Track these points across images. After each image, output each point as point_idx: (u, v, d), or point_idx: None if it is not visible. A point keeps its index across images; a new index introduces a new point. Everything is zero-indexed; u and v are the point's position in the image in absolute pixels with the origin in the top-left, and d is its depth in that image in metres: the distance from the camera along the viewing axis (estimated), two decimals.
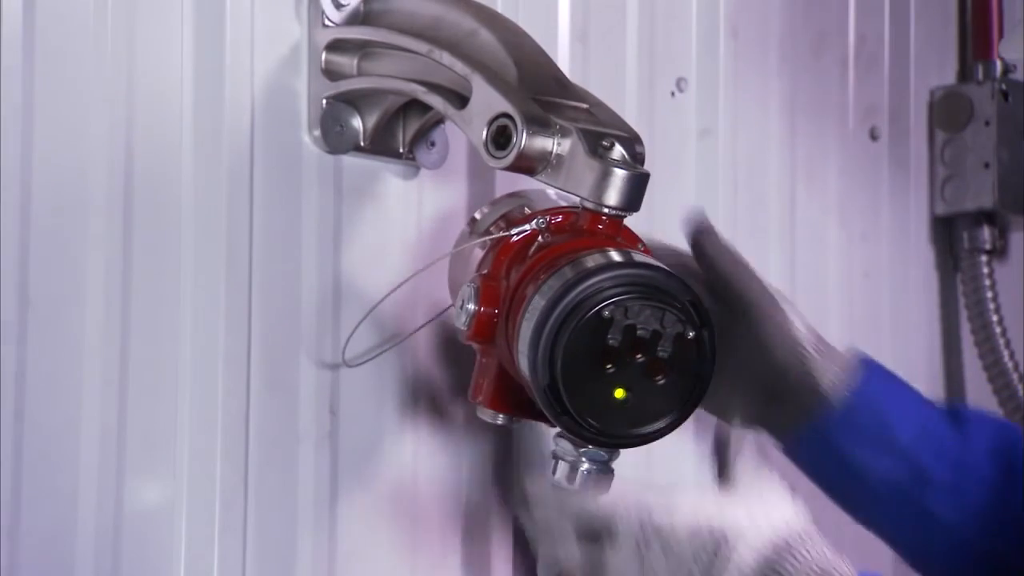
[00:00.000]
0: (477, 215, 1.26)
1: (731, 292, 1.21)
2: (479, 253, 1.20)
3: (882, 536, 1.28)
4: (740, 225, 1.61)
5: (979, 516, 1.22)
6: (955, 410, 1.27)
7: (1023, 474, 1.21)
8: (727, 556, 0.98)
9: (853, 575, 0.99)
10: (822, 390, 1.20)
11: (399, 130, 1.30)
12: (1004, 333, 1.82)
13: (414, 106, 1.28)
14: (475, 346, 1.18)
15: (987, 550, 1.24)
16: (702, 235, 1.24)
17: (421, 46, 1.18)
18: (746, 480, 1.00)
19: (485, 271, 1.17)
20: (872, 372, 1.23)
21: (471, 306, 1.14)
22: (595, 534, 1.02)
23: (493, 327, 1.14)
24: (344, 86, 1.25)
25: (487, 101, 1.12)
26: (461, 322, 1.15)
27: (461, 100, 1.15)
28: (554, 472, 1.16)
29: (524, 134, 1.09)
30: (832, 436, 1.21)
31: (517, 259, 1.16)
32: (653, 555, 0.99)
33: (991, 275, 1.84)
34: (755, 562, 0.98)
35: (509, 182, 1.28)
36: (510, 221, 1.21)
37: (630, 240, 1.15)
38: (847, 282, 1.74)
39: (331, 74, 1.26)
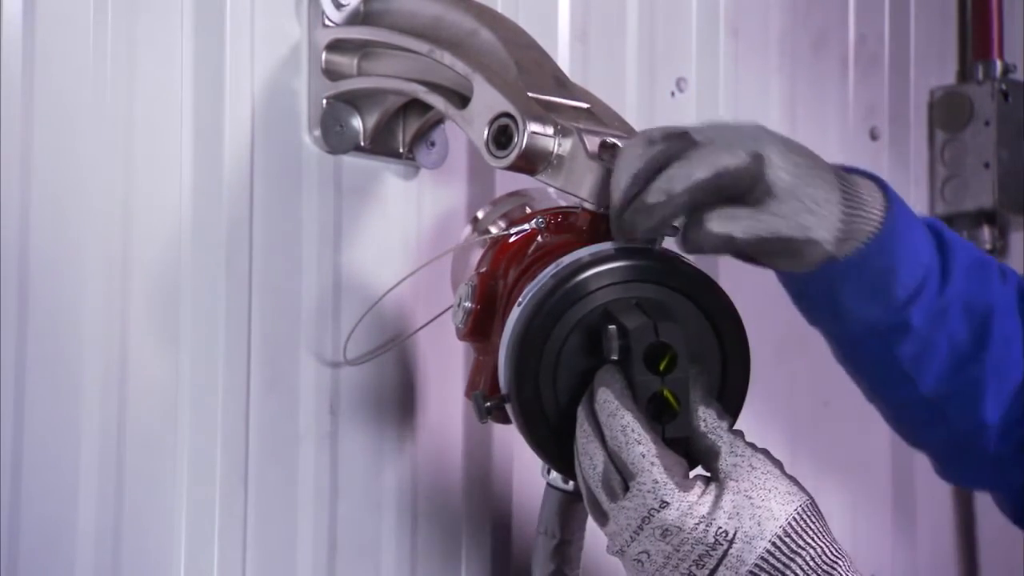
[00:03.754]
0: (479, 214, 1.27)
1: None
2: (480, 252, 1.21)
3: (856, 376, 1.27)
4: None
5: (940, 373, 1.22)
6: (948, 252, 1.23)
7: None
8: (724, 552, 0.98)
9: (850, 562, 0.99)
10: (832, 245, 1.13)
11: (399, 130, 1.30)
12: None
13: (414, 106, 1.28)
14: (472, 344, 1.18)
15: (941, 409, 1.24)
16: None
17: (422, 46, 1.18)
18: (741, 467, 1.00)
19: (483, 269, 1.17)
20: (889, 220, 1.16)
21: (468, 304, 1.15)
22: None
23: (489, 325, 1.14)
24: (344, 86, 1.25)
25: (488, 101, 1.12)
26: (458, 320, 1.16)
27: (462, 100, 1.15)
28: (548, 472, 1.16)
29: (525, 134, 1.09)
30: (832, 283, 1.16)
31: (516, 258, 1.16)
32: (649, 536, 0.98)
33: None
34: (753, 560, 0.97)
35: (509, 182, 1.28)
36: (511, 220, 1.21)
37: None
38: None
39: (331, 74, 1.26)
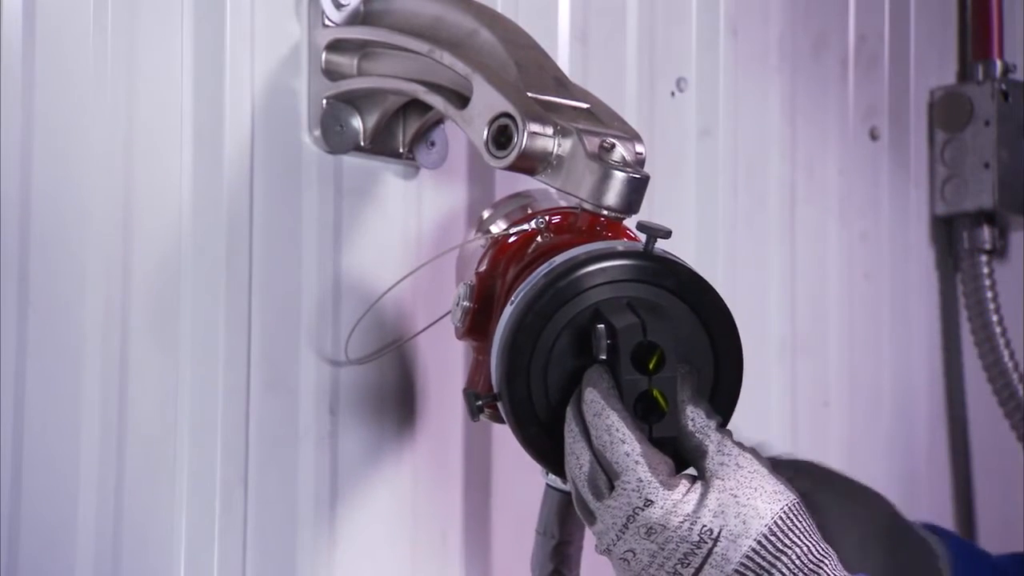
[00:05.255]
0: (484, 214, 1.27)
1: None
2: (480, 251, 1.21)
3: None
4: (740, 225, 1.61)
5: None
6: None
7: None
8: (709, 550, 0.98)
9: (835, 561, 0.99)
10: None
11: (399, 130, 1.30)
12: (1004, 333, 1.82)
13: (414, 106, 1.28)
14: (470, 343, 1.18)
15: None
16: None
17: (421, 46, 1.18)
18: (728, 466, 1.00)
19: (482, 269, 1.17)
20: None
21: (465, 303, 1.15)
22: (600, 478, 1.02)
23: (487, 324, 1.14)
24: (344, 86, 1.25)
25: (488, 101, 1.12)
26: (456, 319, 1.16)
27: (462, 100, 1.15)
28: (547, 472, 1.16)
29: (525, 134, 1.09)
30: None
31: (515, 258, 1.16)
32: (634, 534, 0.99)
33: (991, 275, 1.84)
34: (738, 558, 0.97)
35: (509, 182, 1.28)
36: (512, 221, 1.21)
37: (631, 241, 1.15)
38: (847, 282, 1.74)
39: (331, 74, 1.26)
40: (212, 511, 1.19)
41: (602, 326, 1.02)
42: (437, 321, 1.28)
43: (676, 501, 0.98)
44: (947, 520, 1.85)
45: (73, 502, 1.12)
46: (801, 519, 0.99)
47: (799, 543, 0.98)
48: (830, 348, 1.72)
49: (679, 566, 0.98)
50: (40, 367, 1.11)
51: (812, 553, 0.98)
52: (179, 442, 1.18)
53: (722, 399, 1.06)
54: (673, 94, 1.56)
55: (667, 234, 1.05)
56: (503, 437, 1.37)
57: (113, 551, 1.14)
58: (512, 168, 1.11)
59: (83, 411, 1.13)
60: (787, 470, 1.17)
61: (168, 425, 1.18)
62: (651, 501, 0.98)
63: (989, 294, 1.83)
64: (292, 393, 1.25)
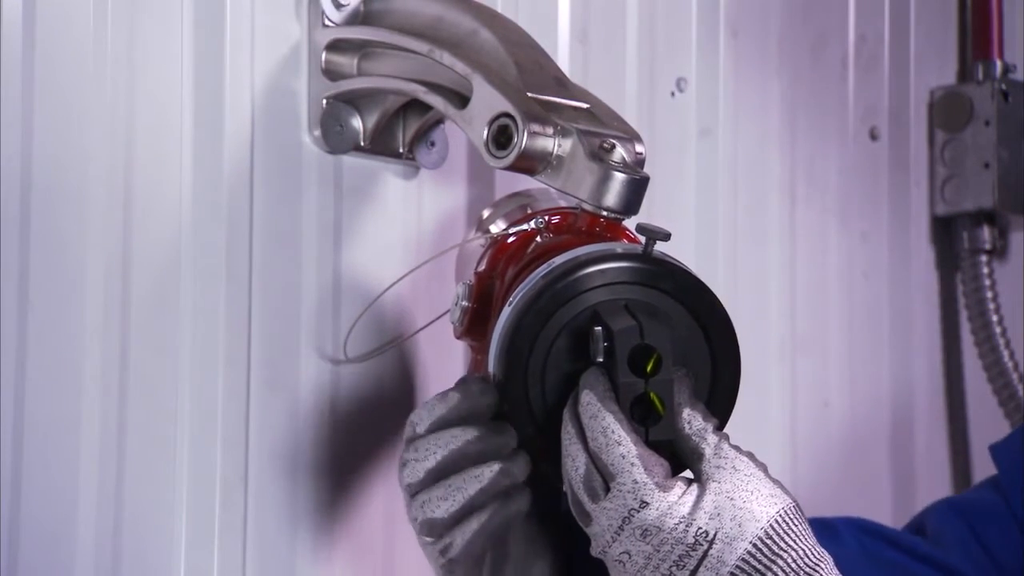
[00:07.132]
0: (484, 213, 1.27)
1: None
2: (480, 251, 1.21)
3: None
4: (740, 225, 1.62)
5: None
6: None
7: None
8: (704, 553, 0.98)
9: (832, 565, 0.99)
10: None
11: (399, 130, 1.30)
12: (1004, 333, 1.82)
13: (414, 106, 1.28)
14: (468, 342, 1.18)
15: None
16: None
17: (421, 46, 1.18)
18: (724, 469, 1.00)
19: (481, 269, 1.17)
20: None
21: (464, 303, 1.15)
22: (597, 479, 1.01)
23: (485, 324, 1.14)
24: (344, 86, 1.25)
25: (488, 101, 1.12)
26: (455, 318, 1.16)
27: (462, 100, 1.15)
28: None
29: (525, 134, 1.09)
30: None
31: (513, 258, 1.16)
32: (629, 536, 0.98)
33: (991, 275, 1.84)
34: (734, 561, 0.97)
35: (509, 182, 1.29)
36: (512, 221, 1.21)
37: (630, 243, 1.15)
38: (847, 282, 1.74)
39: (331, 74, 1.26)
40: (212, 511, 1.19)
41: (599, 328, 1.02)
42: (436, 320, 1.28)
43: (672, 503, 0.98)
44: None
45: (73, 502, 1.12)
46: (797, 523, 0.99)
47: (795, 546, 0.98)
48: (830, 348, 1.72)
49: (674, 568, 0.98)
50: (40, 367, 1.11)
51: (808, 557, 0.98)
52: (179, 442, 1.18)
53: (720, 402, 1.06)
54: (673, 94, 1.56)
55: (666, 236, 1.05)
56: None
57: (113, 551, 1.14)
58: (512, 168, 1.11)
59: (83, 411, 1.13)
60: None
61: (168, 425, 1.18)
62: (646, 503, 0.98)
63: (989, 294, 1.84)
64: (292, 393, 1.25)
